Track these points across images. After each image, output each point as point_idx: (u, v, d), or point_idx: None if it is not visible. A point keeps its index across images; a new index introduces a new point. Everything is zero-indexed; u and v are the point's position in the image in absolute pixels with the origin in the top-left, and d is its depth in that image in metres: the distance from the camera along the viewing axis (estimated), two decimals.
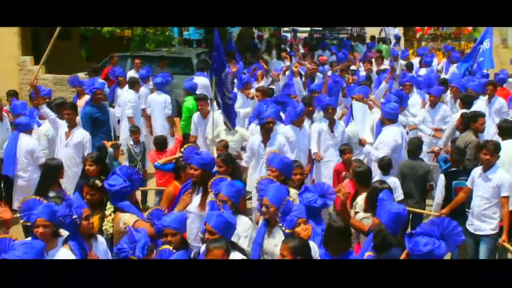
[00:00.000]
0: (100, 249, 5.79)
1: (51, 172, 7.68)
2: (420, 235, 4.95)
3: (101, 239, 5.92)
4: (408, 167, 8.85)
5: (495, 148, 7.69)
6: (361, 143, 9.73)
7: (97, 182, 6.76)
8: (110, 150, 10.07)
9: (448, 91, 12.75)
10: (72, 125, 9.86)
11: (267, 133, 9.08)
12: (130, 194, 6.44)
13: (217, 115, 10.35)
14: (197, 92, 12.45)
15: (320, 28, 30.15)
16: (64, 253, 5.45)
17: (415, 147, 9.01)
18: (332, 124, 9.97)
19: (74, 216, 5.46)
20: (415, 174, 8.76)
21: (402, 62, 17.97)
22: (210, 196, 6.66)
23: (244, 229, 6.35)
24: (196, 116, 11.23)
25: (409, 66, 17.07)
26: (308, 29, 30.70)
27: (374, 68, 16.72)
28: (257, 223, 6.98)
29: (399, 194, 8.31)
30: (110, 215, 6.28)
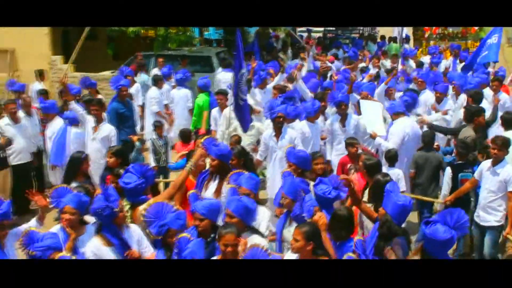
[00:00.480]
0: (134, 237, 5.75)
1: (74, 164, 7.74)
2: (438, 223, 4.82)
3: (134, 227, 5.89)
4: (423, 158, 8.89)
5: (503, 143, 7.60)
6: (372, 136, 9.69)
7: (121, 171, 6.79)
8: (137, 144, 10.14)
9: (450, 89, 12.65)
10: (99, 120, 9.98)
11: (277, 127, 9.14)
12: (145, 190, 6.42)
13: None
14: (224, 87, 12.45)
15: (333, 28, 30.09)
16: (97, 242, 5.48)
17: (429, 139, 9.03)
18: (344, 119, 9.98)
19: (116, 209, 5.51)
20: (429, 164, 8.80)
21: (412, 62, 17.85)
22: (225, 185, 6.77)
23: (263, 218, 6.38)
24: (215, 111, 11.27)
25: (420, 64, 16.94)
26: (322, 29, 30.63)
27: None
28: (276, 216, 6.98)
29: (402, 186, 8.30)
30: (127, 211, 6.18)
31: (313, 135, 9.71)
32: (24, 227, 6.10)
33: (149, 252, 5.74)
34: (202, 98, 12.30)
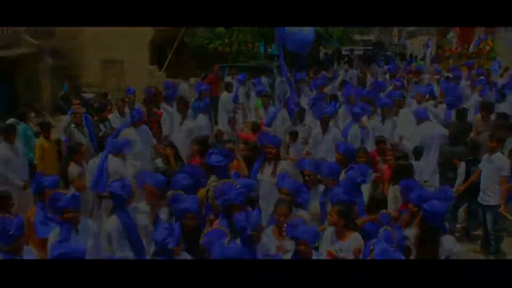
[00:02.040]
0: None
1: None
2: (434, 198, 4.92)
3: None
4: (447, 150, 8.72)
5: (497, 139, 7.60)
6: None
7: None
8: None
9: None
10: (184, 116, 9.99)
11: (324, 125, 9.10)
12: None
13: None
14: None
15: (371, 47, 29.89)
16: None
17: (453, 135, 8.84)
18: (384, 119, 9.84)
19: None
20: (453, 156, 8.52)
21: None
22: (279, 166, 6.92)
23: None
24: (261, 109, 11.40)
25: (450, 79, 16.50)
26: (362, 48, 30.41)
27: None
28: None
29: (424, 176, 8.19)
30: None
31: (362, 134, 9.50)
32: None
33: None
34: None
